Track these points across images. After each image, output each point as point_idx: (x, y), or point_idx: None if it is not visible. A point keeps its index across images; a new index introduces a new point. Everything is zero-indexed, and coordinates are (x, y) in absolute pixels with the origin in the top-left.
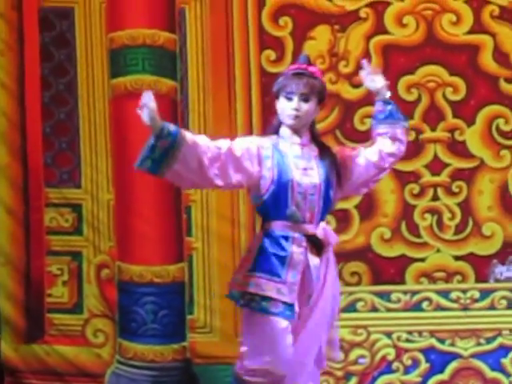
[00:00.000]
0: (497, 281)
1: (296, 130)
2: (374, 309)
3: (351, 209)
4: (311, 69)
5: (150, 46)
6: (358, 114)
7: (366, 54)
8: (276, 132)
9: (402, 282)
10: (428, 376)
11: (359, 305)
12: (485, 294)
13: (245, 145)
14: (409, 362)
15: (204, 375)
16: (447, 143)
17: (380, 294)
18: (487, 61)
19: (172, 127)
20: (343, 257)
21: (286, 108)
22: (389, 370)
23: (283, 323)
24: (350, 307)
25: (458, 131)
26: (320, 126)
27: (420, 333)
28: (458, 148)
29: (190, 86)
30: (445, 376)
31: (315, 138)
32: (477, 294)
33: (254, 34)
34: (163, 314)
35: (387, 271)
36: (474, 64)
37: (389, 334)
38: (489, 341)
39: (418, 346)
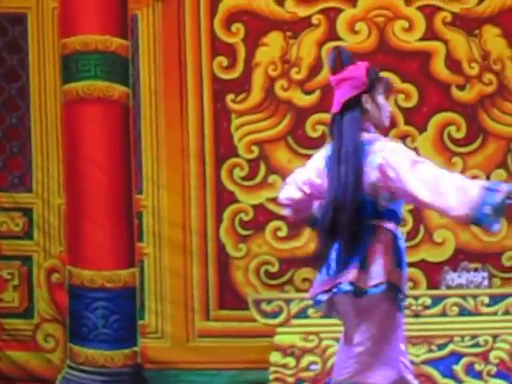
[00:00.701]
0: (448, 287)
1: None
2: (326, 315)
3: None
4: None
5: (103, 51)
6: (310, 120)
7: (318, 61)
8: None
9: None
10: None
11: (311, 311)
12: (436, 300)
13: None
14: None
15: (155, 380)
16: None
17: None
18: (439, 68)
19: None
20: (295, 263)
21: (386, 108)
22: None
23: None
24: (302, 313)
25: (410, 138)
26: (271, 133)
27: None
28: None
29: (142, 92)
30: None
31: None
32: (428, 301)
33: (206, 41)
34: (114, 319)
35: None
36: (426, 71)
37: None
38: (440, 347)
39: None
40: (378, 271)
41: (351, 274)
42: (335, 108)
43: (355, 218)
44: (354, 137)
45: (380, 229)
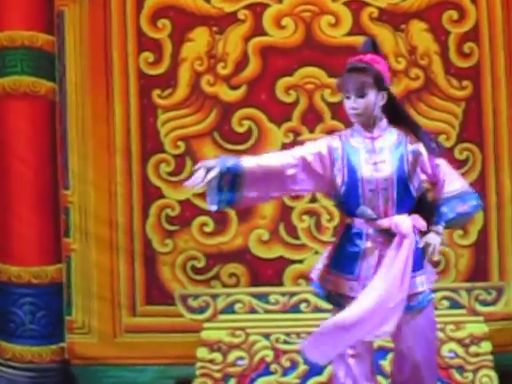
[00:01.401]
0: None
1: (365, 124)
2: (253, 310)
3: (229, 210)
4: (367, 58)
5: (29, 47)
6: (236, 116)
7: (245, 56)
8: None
9: (280, 283)
10: (306, 378)
11: (237, 306)
12: None
13: (316, 149)
14: (287, 364)
15: (82, 376)
16: None
17: (258, 296)
18: None
19: (229, 162)
20: (221, 258)
21: (346, 107)
22: (267, 371)
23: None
24: (228, 309)
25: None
26: (197, 129)
27: (298, 334)
28: None
29: (68, 88)
30: (323, 378)
31: (399, 120)
32: None
33: (132, 36)
34: (41, 315)
35: (265, 273)
36: None
37: (267, 336)
38: None
39: (297, 347)
40: None
41: None
42: None
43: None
44: None
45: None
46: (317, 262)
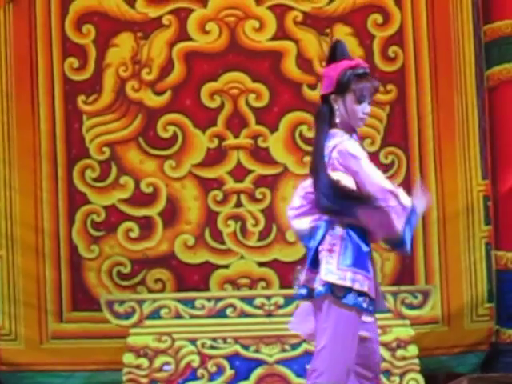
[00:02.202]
0: None
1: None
2: (179, 316)
3: (154, 216)
4: (368, 66)
5: None
6: (161, 121)
7: (169, 61)
8: (330, 125)
9: (206, 288)
10: (233, 382)
11: (163, 312)
12: (289, 300)
13: None
14: (213, 369)
15: (9, 382)
16: (250, 150)
17: (184, 301)
18: (290, 67)
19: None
20: (147, 264)
21: (357, 111)
22: (194, 376)
23: (369, 319)
24: (155, 314)
25: (262, 138)
26: (122, 134)
27: (224, 339)
28: (261, 154)
29: None
30: (250, 382)
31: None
32: (281, 301)
33: (57, 42)
34: None
35: (191, 278)
36: (277, 70)
37: (193, 341)
38: (294, 347)
39: (223, 352)
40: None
41: None
42: (319, 100)
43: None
44: (317, 131)
45: (334, 223)
46: (302, 274)
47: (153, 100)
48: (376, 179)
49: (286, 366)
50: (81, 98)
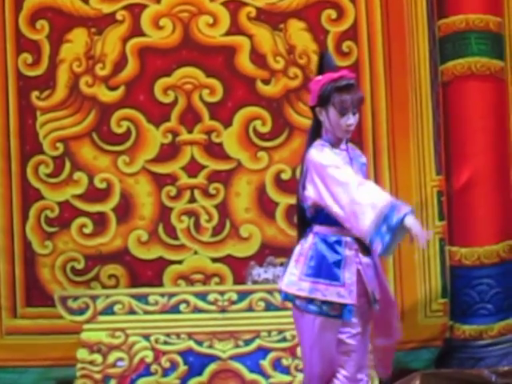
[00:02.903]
0: (254, 282)
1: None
2: (132, 311)
3: (108, 211)
4: (351, 74)
5: None
6: (115, 116)
7: (123, 57)
8: (317, 134)
9: (160, 284)
10: (186, 378)
11: (117, 307)
12: (242, 295)
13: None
14: (167, 365)
15: None
16: (204, 145)
17: (138, 297)
18: (244, 62)
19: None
20: (100, 260)
21: (340, 123)
22: (147, 372)
23: (338, 324)
24: (108, 310)
25: (215, 133)
26: (76, 130)
27: (178, 335)
28: (214, 150)
29: None
30: (203, 378)
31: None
32: (235, 296)
33: (11, 37)
34: None
35: (145, 274)
36: (230, 66)
37: (147, 337)
38: (247, 343)
39: (176, 348)
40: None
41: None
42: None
43: (299, 220)
44: (307, 143)
45: (309, 234)
46: (284, 274)
47: (106, 95)
48: (336, 195)
49: (240, 362)
50: (34, 94)
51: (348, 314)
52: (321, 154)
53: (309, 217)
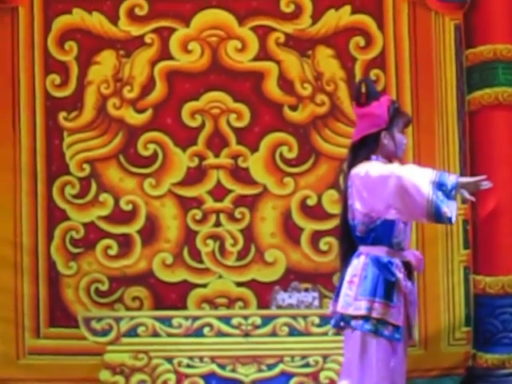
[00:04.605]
0: (279, 307)
1: None
2: (155, 334)
3: (133, 233)
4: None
5: None
6: (142, 139)
7: (151, 80)
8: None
9: (184, 307)
10: None
11: (140, 329)
12: (266, 320)
13: None
14: None
15: None
16: (230, 169)
17: (161, 319)
18: (272, 88)
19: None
20: (124, 281)
21: (403, 143)
22: None
23: (392, 346)
24: (132, 332)
25: (242, 158)
26: (103, 152)
27: (201, 358)
28: (241, 174)
29: None
30: None
31: None
32: (258, 321)
33: (39, 58)
34: None
35: (169, 296)
36: (258, 91)
37: (170, 360)
38: (270, 367)
39: (199, 371)
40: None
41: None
42: (356, 137)
43: (343, 242)
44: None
45: (358, 255)
46: (335, 299)
47: (134, 118)
48: (375, 171)
49: None
50: (62, 115)
51: (399, 335)
52: (364, 164)
53: (358, 236)
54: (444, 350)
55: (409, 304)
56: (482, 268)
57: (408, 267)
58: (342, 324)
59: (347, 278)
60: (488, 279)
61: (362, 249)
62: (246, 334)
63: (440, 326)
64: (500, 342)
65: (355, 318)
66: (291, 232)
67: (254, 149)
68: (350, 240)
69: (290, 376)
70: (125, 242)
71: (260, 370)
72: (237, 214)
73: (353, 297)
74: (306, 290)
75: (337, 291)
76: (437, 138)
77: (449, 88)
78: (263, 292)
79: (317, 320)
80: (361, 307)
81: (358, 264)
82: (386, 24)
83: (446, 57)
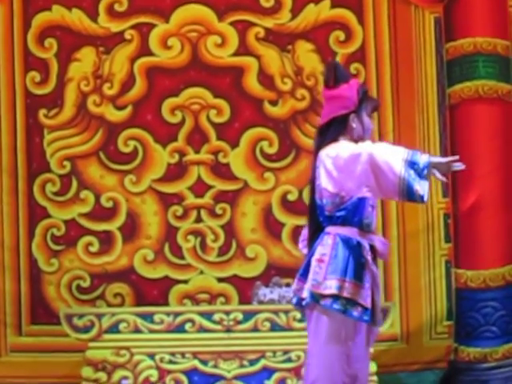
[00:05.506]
0: (260, 303)
1: None
2: (137, 330)
3: (114, 230)
4: None
5: None
6: (122, 136)
7: (131, 76)
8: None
9: (165, 303)
10: None
11: (122, 326)
12: (248, 315)
13: None
14: None
15: None
16: (211, 165)
17: (143, 316)
18: (252, 83)
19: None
20: (106, 278)
21: (370, 126)
22: None
23: (360, 326)
24: (113, 328)
25: (222, 153)
26: (83, 149)
27: (183, 354)
28: (221, 170)
29: None
30: None
31: None
32: (240, 316)
33: (19, 55)
34: None
35: (150, 293)
36: (238, 86)
37: (152, 356)
38: (252, 363)
39: (181, 367)
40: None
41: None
42: (324, 119)
43: (311, 223)
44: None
45: (327, 235)
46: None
47: (114, 115)
48: (346, 150)
49: (244, 382)
50: (42, 112)
51: (368, 317)
52: (334, 145)
53: (327, 216)
54: (426, 344)
55: (375, 288)
56: (463, 262)
57: (373, 252)
58: (304, 303)
59: (316, 256)
60: (469, 273)
61: (330, 229)
62: (228, 330)
63: (422, 320)
64: (482, 335)
65: (324, 296)
66: (272, 227)
67: (235, 144)
68: (318, 221)
69: (272, 371)
70: (106, 239)
71: (242, 366)
72: (218, 210)
73: (322, 275)
74: (288, 285)
75: (302, 270)
76: (417, 132)
77: (429, 81)
78: (245, 287)
79: (298, 315)
80: (331, 286)
81: (327, 243)
82: (366, 18)
83: (426, 50)
